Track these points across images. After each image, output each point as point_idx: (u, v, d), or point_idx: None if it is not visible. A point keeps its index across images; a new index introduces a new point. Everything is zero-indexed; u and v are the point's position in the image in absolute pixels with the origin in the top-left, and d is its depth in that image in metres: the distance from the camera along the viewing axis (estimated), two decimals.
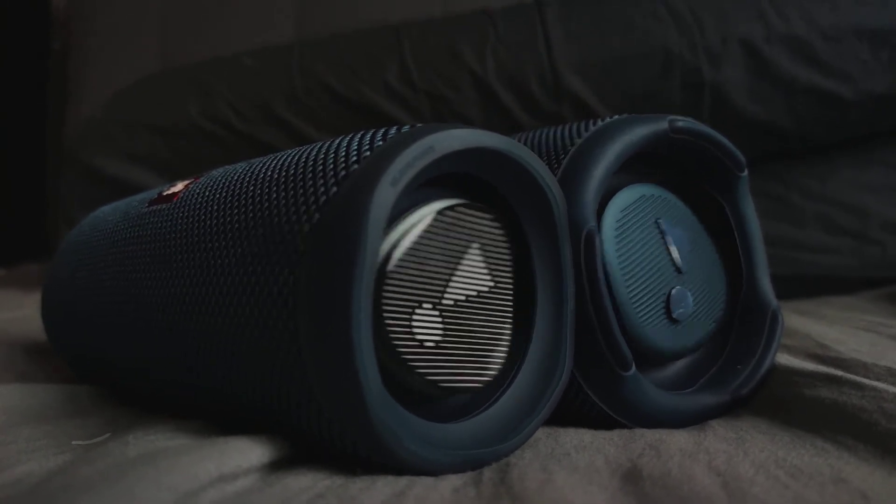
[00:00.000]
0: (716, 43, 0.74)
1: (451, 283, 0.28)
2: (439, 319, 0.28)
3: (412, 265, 0.27)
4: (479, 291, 0.29)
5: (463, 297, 0.29)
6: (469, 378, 0.29)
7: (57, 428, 0.34)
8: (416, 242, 0.27)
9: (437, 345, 0.28)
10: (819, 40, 0.74)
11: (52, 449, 0.30)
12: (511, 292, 0.31)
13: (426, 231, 0.27)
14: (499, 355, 0.30)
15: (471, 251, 0.29)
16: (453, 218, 0.28)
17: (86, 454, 0.27)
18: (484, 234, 0.29)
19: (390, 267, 0.26)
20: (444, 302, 0.28)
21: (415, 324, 0.27)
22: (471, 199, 0.30)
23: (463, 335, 0.29)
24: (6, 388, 0.39)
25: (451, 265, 0.28)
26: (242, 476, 0.25)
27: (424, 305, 0.27)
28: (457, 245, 0.28)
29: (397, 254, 0.26)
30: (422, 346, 0.27)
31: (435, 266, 0.28)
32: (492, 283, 0.30)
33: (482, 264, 0.29)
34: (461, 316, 0.29)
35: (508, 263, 0.30)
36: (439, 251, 0.28)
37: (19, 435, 0.32)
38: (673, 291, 0.35)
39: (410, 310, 0.27)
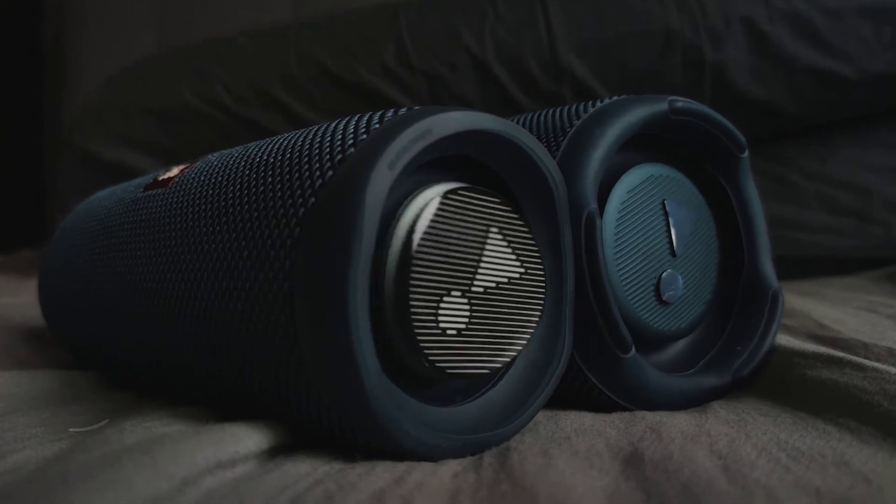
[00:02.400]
0: (718, 21, 0.73)
1: (480, 269, 0.28)
2: (467, 307, 0.27)
3: (436, 249, 0.26)
4: (509, 278, 0.29)
5: (493, 284, 0.28)
6: (480, 365, 0.28)
7: (55, 415, 0.33)
8: (432, 224, 0.26)
9: (459, 333, 0.27)
10: (821, 17, 0.73)
11: (49, 436, 0.30)
12: (542, 277, 0.30)
13: (438, 213, 0.27)
14: (520, 342, 0.29)
15: (492, 235, 0.28)
16: (461, 201, 0.27)
17: (83, 441, 0.27)
18: (499, 218, 0.29)
19: (414, 250, 0.26)
20: (474, 289, 0.28)
21: (441, 312, 0.27)
22: (469, 181, 0.30)
23: (488, 323, 0.28)
24: (4, 374, 0.39)
25: (477, 250, 0.28)
26: (241, 463, 0.25)
27: (454, 293, 0.27)
28: (475, 229, 0.28)
29: (417, 236, 0.26)
30: (443, 335, 0.27)
31: (459, 250, 0.27)
32: (522, 269, 0.29)
33: (508, 249, 0.29)
34: (490, 303, 0.28)
35: (533, 247, 0.30)
36: (459, 234, 0.27)
37: (17, 422, 0.32)
38: (664, 274, 0.35)
39: (439, 297, 0.27)
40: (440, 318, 0.27)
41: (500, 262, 0.28)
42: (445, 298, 0.27)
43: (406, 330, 0.26)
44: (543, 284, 0.30)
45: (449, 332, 0.27)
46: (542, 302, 0.30)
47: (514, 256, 0.29)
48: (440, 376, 0.27)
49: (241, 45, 0.87)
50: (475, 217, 0.28)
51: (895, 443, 0.25)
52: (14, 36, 1.27)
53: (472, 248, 0.28)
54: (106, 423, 0.31)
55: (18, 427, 0.31)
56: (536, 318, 0.30)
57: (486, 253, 0.28)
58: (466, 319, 0.27)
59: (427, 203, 0.27)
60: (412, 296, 0.26)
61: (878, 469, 0.23)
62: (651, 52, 0.75)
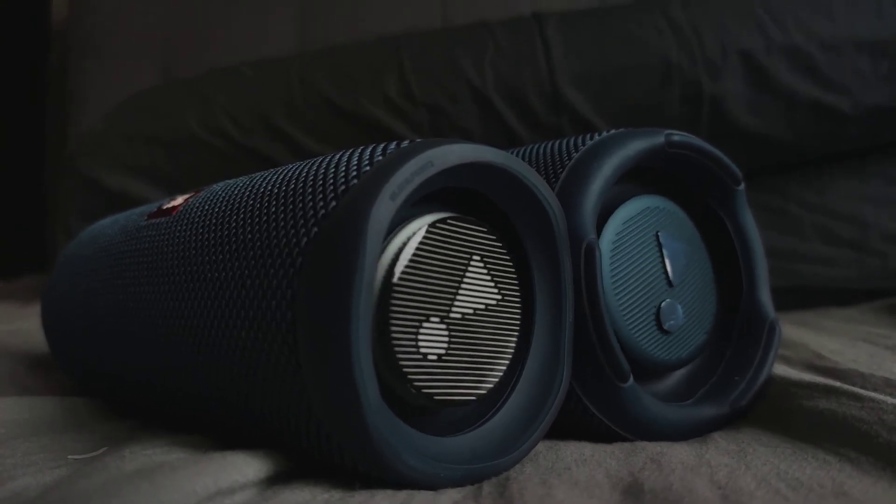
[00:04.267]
0: (716, 55, 0.74)
1: (459, 296, 0.28)
2: (446, 333, 0.28)
3: (417, 277, 0.27)
4: (486, 304, 0.29)
5: (471, 311, 0.29)
6: (465, 391, 0.28)
7: (55, 441, 0.33)
8: (415, 254, 0.27)
9: (440, 358, 0.28)
10: (818, 52, 0.74)
11: (49, 463, 0.30)
12: (518, 304, 0.31)
13: (423, 243, 0.27)
14: (499, 368, 0.30)
15: (473, 263, 0.29)
16: (447, 230, 0.28)
17: (82, 468, 0.27)
18: (482, 247, 0.29)
19: (395, 279, 0.26)
20: (452, 315, 0.28)
21: (421, 338, 0.27)
22: (471, 213, 0.30)
23: (467, 348, 0.29)
24: (5, 401, 0.39)
25: (457, 278, 0.28)
26: (240, 491, 0.25)
27: (432, 319, 0.27)
28: (457, 257, 0.28)
29: (400, 267, 0.27)
30: (425, 360, 0.27)
31: (439, 278, 0.28)
32: (499, 296, 0.30)
33: (487, 277, 0.29)
34: (468, 329, 0.29)
35: (512, 275, 0.30)
36: (440, 263, 0.28)
37: (17, 449, 0.32)
38: (663, 304, 0.35)
39: (418, 323, 0.27)
40: (420, 344, 0.27)
41: (478, 288, 0.29)
42: (424, 324, 0.27)
43: (388, 355, 0.26)
44: (519, 312, 0.31)
45: (430, 356, 0.27)
46: (517, 329, 0.30)
47: (492, 283, 0.30)
48: (428, 403, 0.28)
49: (245, 75, 0.88)
50: (459, 246, 0.28)
51: (894, 473, 0.25)
52: (19, 62, 1.28)
53: (452, 275, 0.28)
54: (105, 451, 0.31)
55: (18, 453, 0.31)
56: (513, 346, 0.30)
57: (465, 280, 0.29)
58: (446, 344, 0.28)
59: (412, 234, 0.27)
60: (393, 323, 0.26)
61: (878, 499, 0.23)
62: (650, 85, 0.76)
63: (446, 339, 0.28)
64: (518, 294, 0.31)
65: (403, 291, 0.27)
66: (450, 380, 0.28)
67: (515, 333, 0.30)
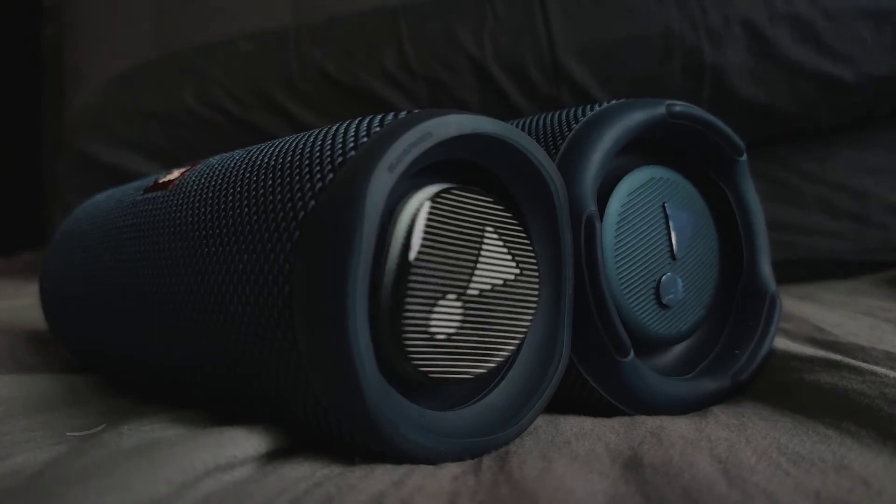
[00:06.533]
0: (718, 23, 0.73)
1: (477, 271, 0.28)
2: (460, 311, 0.27)
3: (434, 252, 0.26)
4: (505, 280, 0.29)
5: (489, 286, 0.28)
6: (465, 370, 0.28)
7: (53, 418, 0.33)
8: (428, 228, 0.26)
9: (449, 337, 0.27)
10: (821, 19, 0.73)
11: (47, 440, 0.30)
12: (536, 279, 0.30)
13: (432, 216, 0.27)
14: (508, 348, 0.29)
15: (488, 235, 0.28)
16: (453, 202, 0.27)
17: (80, 445, 0.27)
18: (493, 218, 0.28)
19: (412, 256, 0.26)
20: (470, 292, 0.28)
21: (433, 317, 0.27)
22: (470, 185, 0.29)
23: (478, 327, 0.28)
24: (4, 378, 0.39)
25: (474, 251, 0.28)
26: (239, 466, 0.25)
27: (449, 296, 0.27)
28: (471, 229, 0.28)
29: (416, 242, 0.26)
30: (431, 340, 0.27)
31: (457, 252, 0.27)
32: (518, 271, 0.29)
33: (504, 249, 0.29)
34: (483, 307, 0.28)
35: (528, 248, 0.30)
36: (456, 236, 0.27)
37: (15, 425, 0.32)
38: (663, 278, 0.35)
39: (433, 301, 0.27)
40: (431, 323, 0.27)
41: (496, 263, 0.28)
42: (440, 302, 0.27)
43: (394, 332, 0.26)
44: (537, 287, 0.30)
45: (438, 336, 0.27)
46: (534, 305, 0.30)
47: (510, 257, 0.29)
48: (425, 380, 0.27)
49: (242, 48, 0.87)
50: (470, 217, 0.28)
51: (895, 446, 0.25)
52: (14, 37, 1.27)
53: (469, 249, 0.28)
54: (104, 427, 0.31)
55: (17, 430, 0.31)
56: (527, 322, 0.30)
57: (483, 254, 0.28)
58: (458, 324, 0.27)
59: (420, 206, 0.27)
60: (408, 300, 0.26)
61: (878, 473, 0.23)
62: (651, 55, 0.75)
63: (460, 317, 0.27)
64: (536, 268, 0.30)
65: (422, 268, 0.26)
66: (452, 359, 0.27)
67: (531, 311, 0.30)
